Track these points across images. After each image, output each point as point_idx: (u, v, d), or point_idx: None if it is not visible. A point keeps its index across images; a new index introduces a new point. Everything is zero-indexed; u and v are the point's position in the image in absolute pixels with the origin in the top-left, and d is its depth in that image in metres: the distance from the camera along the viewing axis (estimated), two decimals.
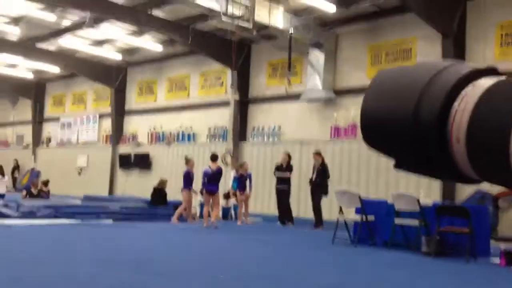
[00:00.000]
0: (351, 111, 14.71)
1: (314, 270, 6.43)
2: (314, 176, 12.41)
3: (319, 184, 12.27)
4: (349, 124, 14.74)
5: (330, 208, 13.35)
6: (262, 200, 16.07)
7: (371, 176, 13.96)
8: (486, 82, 0.61)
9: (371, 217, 9.34)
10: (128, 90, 22.06)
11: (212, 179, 11.73)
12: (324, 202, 12.61)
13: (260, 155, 16.68)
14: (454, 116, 0.46)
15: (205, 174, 11.70)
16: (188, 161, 13.16)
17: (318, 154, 12.63)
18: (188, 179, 12.79)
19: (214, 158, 12.12)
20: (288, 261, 7.23)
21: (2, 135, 29.58)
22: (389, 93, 0.53)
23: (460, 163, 0.47)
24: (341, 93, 15.07)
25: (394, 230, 8.87)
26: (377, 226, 9.43)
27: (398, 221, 8.87)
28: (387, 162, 12.15)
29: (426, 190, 11.20)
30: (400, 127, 0.52)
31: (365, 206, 9.31)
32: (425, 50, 13.34)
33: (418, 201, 8.65)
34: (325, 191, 12.30)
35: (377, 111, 0.53)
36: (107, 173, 21.98)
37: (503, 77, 0.68)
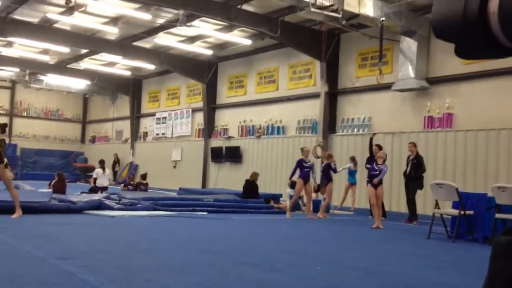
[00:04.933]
0: (445, 100, 14.13)
1: (412, 264, 6.28)
2: (409, 169, 12.03)
3: (414, 177, 11.89)
4: (443, 113, 14.17)
5: (424, 202, 12.94)
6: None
7: (469, 167, 13.35)
8: None
9: (470, 211, 8.95)
10: (219, 85, 22.60)
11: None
12: (418, 195, 12.23)
13: (350, 147, 16.47)
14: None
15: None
16: (328, 154, 13.29)
17: (414, 144, 12.22)
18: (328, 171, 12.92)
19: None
20: (385, 255, 7.11)
21: (103, 130, 31.44)
22: None
23: (498, 36, 0.64)
24: (434, 82, 14.52)
25: (495, 226, 8.45)
26: (476, 221, 9.02)
27: (500, 215, 8.43)
28: (485, 152, 11.48)
29: None
30: (456, 19, 0.70)
31: (464, 200, 8.93)
32: None
33: None
34: (420, 185, 11.89)
35: (441, 8, 0.70)
36: (200, 166, 22.69)
37: None
